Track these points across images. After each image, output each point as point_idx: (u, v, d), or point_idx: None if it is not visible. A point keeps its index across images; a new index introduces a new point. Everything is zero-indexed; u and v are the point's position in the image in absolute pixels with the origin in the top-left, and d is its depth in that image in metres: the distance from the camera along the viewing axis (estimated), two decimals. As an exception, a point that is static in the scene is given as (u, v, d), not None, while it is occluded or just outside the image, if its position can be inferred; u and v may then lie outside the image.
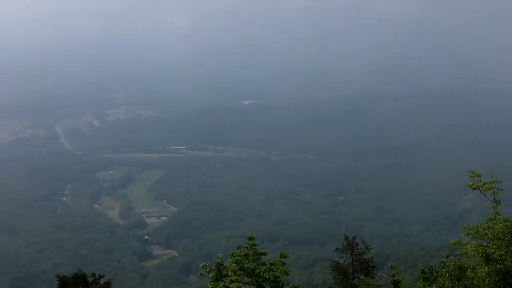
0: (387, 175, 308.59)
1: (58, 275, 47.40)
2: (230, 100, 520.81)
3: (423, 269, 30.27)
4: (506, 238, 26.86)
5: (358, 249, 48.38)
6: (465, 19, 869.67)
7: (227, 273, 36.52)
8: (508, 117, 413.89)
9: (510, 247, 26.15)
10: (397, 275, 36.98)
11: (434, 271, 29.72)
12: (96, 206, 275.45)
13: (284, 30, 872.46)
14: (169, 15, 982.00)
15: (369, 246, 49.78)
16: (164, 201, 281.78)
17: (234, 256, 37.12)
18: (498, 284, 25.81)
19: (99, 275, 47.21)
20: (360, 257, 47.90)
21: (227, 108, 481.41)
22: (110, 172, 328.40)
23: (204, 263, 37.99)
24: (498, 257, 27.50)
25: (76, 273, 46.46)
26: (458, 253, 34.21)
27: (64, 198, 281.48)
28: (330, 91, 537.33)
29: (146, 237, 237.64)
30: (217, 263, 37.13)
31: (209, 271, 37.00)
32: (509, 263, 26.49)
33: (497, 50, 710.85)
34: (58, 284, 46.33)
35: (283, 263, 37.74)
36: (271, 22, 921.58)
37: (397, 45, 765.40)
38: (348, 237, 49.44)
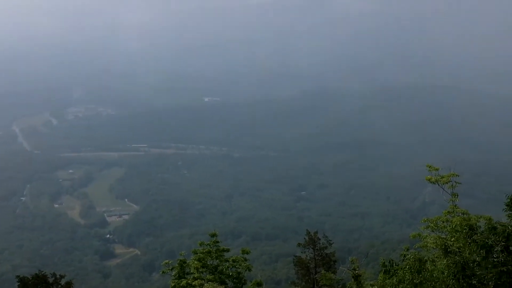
0: (349, 170, 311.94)
1: (18, 276, 46.64)
2: (191, 97, 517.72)
3: (384, 263, 30.55)
4: (464, 231, 27.32)
5: (320, 244, 48.65)
6: (424, 16, 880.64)
7: (190, 271, 36.46)
8: (466, 113, 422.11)
9: (468, 239, 26.60)
10: (357, 269, 37.32)
11: (394, 264, 30.02)
12: (56, 205, 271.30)
13: (244, 27, 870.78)
14: (129, 12, 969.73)
15: (331, 240, 50.12)
16: (126, 199, 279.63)
17: (197, 254, 37.08)
18: (456, 276, 26.22)
19: (60, 275, 46.52)
20: (322, 251, 48.18)
21: (187, 105, 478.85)
22: (70, 171, 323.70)
23: (167, 261, 37.84)
24: (457, 249, 27.96)
25: (36, 274, 45.73)
26: (418, 246, 34.71)
27: (23, 198, 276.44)
28: (291, 87, 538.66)
29: (108, 236, 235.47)
30: (180, 260, 37.04)
31: (172, 269, 36.90)
32: (467, 255, 26.92)
33: (457, 47, 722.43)
34: (18, 285, 45.56)
35: (246, 259, 37.88)
36: (230, 19, 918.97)
37: (358, 41, 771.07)
38: (310, 232, 49.69)
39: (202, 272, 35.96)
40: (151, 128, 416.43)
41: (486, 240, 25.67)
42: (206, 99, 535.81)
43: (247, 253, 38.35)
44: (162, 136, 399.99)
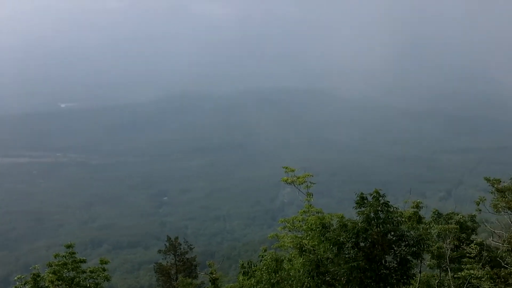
0: (210, 173, 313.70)
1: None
2: (46, 103, 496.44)
3: (243, 264, 30.96)
4: (318, 229, 28.27)
5: (181, 249, 48.42)
6: (285, 20, 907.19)
7: (45, 284, 34.92)
8: (324, 115, 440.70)
9: (322, 237, 27.55)
10: (215, 272, 37.57)
11: (253, 265, 30.47)
12: None
13: (103, 31, 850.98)
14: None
15: (192, 245, 50.09)
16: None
17: (52, 266, 35.59)
18: (311, 273, 27.10)
19: None
20: (183, 257, 47.99)
21: (42, 112, 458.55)
22: None
23: (20, 275, 35.95)
24: (312, 248, 28.93)
25: None
26: (276, 246, 35.53)
27: None
28: (151, 91, 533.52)
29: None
30: (33, 274, 35.33)
31: (25, 284, 35.09)
32: (321, 252, 27.92)
33: (330, 51, 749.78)
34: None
35: (104, 269, 36.89)
36: (89, 23, 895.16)
37: (219, 45, 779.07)
38: (170, 238, 49.34)
39: (57, 285, 34.54)
40: (2, 137, 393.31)
41: (338, 238, 26.77)
42: (63, 105, 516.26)
43: (106, 263, 37.32)
44: (14, 144, 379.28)
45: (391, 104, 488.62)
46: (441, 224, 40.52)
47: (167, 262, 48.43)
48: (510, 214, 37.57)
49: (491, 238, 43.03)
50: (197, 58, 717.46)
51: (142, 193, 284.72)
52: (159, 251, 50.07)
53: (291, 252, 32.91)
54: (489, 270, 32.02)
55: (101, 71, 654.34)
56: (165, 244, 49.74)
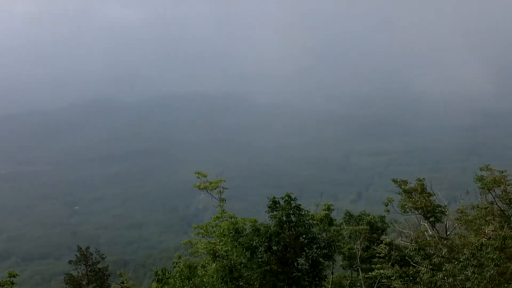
0: (124, 181, 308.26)
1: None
2: None
3: (157, 272, 30.58)
4: (231, 234, 28.24)
5: (92, 259, 47.15)
6: (190, 23, 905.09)
7: None
8: (251, 120, 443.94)
9: (235, 242, 27.53)
10: (126, 282, 36.92)
11: (167, 272, 30.12)
12: None
13: (10, 35, 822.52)
14: None
15: (104, 255, 48.87)
16: None
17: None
18: (225, 278, 27.03)
19: None
20: (94, 267, 46.72)
21: None
22: None
23: None
24: (225, 253, 28.86)
25: None
26: (190, 253, 35.28)
27: None
28: (63, 97, 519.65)
29: None
30: None
31: None
32: (234, 257, 27.88)
33: (249, 54, 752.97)
34: None
35: (13, 283, 35.79)
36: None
37: (134, 50, 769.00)
38: (81, 248, 47.95)
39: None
40: None
41: (251, 242, 26.82)
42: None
43: (14, 276, 36.11)
44: None
45: (308, 108, 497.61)
46: (352, 226, 41.51)
47: (78, 272, 46.98)
48: (417, 214, 38.90)
49: (400, 238, 44.44)
50: (111, 62, 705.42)
51: (53, 202, 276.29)
52: (70, 262, 48.50)
53: (204, 258, 32.74)
54: (398, 269, 32.97)
55: (10, 76, 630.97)
56: (75, 255, 48.25)
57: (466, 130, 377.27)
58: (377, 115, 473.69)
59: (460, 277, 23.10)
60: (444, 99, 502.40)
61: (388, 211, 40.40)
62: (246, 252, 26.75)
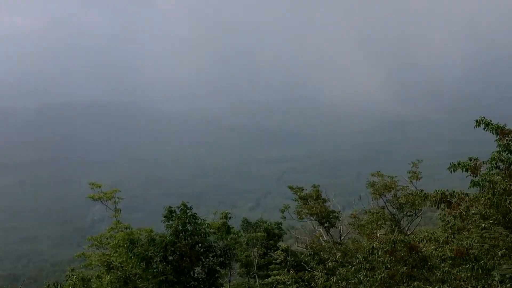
0: (18, 193, 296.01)
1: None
2: None
3: (48, 285, 29.61)
4: (125, 245, 27.68)
5: (-21, 275, 44.97)
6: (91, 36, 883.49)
7: None
8: (152, 131, 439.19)
9: (129, 253, 27.00)
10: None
11: (59, 286, 29.22)
12: None
13: None
14: None
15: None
16: None
17: None
18: (119, 290, 26.54)
19: None
20: (-19, 283, 44.57)
21: None
22: None
23: None
24: (119, 265, 28.26)
25: None
26: (84, 265, 34.26)
27: None
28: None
29: None
30: None
31: None
32: (129, 268, 27.37)
33: (149, 64, 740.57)
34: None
35: None
36: None
37: (26, 57, 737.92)
38: (-34, 264, 45.60)
39: None
40: None
41: (146, 252, 26.43)
42: None
43: None
44: None
45: (212, 117, 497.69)
46: (249, 233, 41.83)
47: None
48: (313, 220, 39.69)
49: (296, 243, 45.19)
50: (2, 70, 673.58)
51: None
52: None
53: (99, 270, 31.95)
54: (294, 274, 33.44)
55: None
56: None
57: (364, 137, 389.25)
58: (282, 123, 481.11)
59: (353, 281, 23.66)
60: (349, 107, 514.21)
61: (285, 217, 40.92)
62: (141, 263, 26.34)
